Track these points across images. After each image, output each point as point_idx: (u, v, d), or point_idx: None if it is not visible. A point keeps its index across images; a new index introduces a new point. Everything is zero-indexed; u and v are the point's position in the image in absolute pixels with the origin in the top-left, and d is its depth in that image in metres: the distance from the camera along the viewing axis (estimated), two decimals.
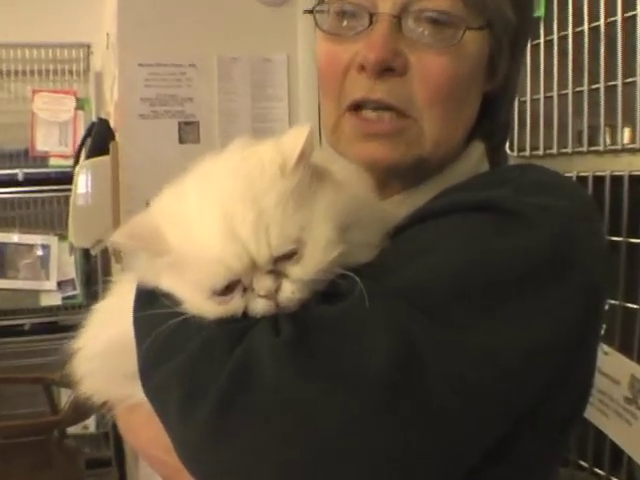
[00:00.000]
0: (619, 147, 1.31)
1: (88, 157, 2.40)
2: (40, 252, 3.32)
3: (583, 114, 1.37)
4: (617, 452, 1.32)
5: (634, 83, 1.26)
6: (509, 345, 0.59)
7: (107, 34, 2.59)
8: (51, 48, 3.38)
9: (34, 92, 3.34)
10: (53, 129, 3.33)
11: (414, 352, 0.56)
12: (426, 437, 0.55)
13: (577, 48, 1.37)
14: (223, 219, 0.59)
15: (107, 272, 2.79)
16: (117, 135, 2.23)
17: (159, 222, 0.63)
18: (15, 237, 3.33)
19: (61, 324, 3.24)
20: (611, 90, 1.31)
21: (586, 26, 1.35)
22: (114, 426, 0.80)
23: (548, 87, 1.45)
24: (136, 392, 0.68)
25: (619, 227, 1.29)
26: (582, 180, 1.35)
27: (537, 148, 1.49)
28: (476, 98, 0.77)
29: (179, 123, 2.15)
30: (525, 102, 1.49)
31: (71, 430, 2.91)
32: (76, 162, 2.61)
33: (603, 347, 1.28)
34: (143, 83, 2.12)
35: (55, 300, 3.33)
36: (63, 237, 3.20)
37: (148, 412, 0.64)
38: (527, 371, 0.60)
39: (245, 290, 0.60)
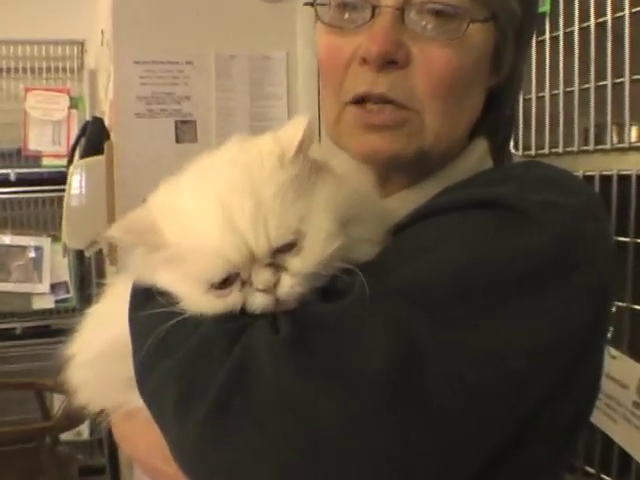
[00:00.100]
0: (626, 145, 1.31)
1: (82, 157, 2.40)
2: (33, 254, 3.32)
3: (590, 112, 1.37)
4: (625, 458, 1.32)
5: None
6: (510, 345, 0.59)
7: (102, 31, 2.59)
8: (44, 45, 3.39)
9: (27, 90, 3.35)
10: (46, 128, 3.33)
11: (414, 351, 0.56)
12: (426, 437, 0.55)
13: (583, 44, 1.37)
14: (221, 210, 0.59)
15: (101, 274, 2.79)
16: (112, 134, 2.24)
17: (156, 216, 0.63)
18: (7, 238, 3.33)
19: (54, 328, 3.24)
20: (618, 87, 1.31)
21: (592, 22, 1.35)
22: (108, 432, 0.80)
23: (554, 84, 1.45)
24: (133, 399, 0.68)
25: (626, 227, 1.29)
26: (589, 179, 1.35)
27: (542, 147, 1.49)
28: (480, 92, 0.77)
29: (176, 122, 2.16)
30: (530, 100, 1.50)
31: (64, 437, 2.91)
32: (70, 162, 2.61)
33: (611, 350, 1.28)
34: (139, 81, 2.13)
35: (48, 303, 3.33)
36: (56, 238, 3.20)
37: (146, 419, 0.64)
38: (529, 371, 0.60)
39: (244, 284, 0.60)
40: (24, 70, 3.39)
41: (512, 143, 1.44)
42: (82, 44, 3.42)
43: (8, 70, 3.39)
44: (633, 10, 1.27)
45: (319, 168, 0.64)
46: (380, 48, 0.69)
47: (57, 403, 2.91)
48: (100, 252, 2.49)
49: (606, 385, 1.28)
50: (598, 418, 1.31)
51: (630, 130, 1.30)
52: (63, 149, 3.30)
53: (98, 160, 2.23)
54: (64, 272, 3.27)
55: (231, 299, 0.60)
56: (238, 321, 0.60)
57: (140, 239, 0.64)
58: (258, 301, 0.60)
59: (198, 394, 0.56)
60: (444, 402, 0.56)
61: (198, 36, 2.16)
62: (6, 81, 3.39)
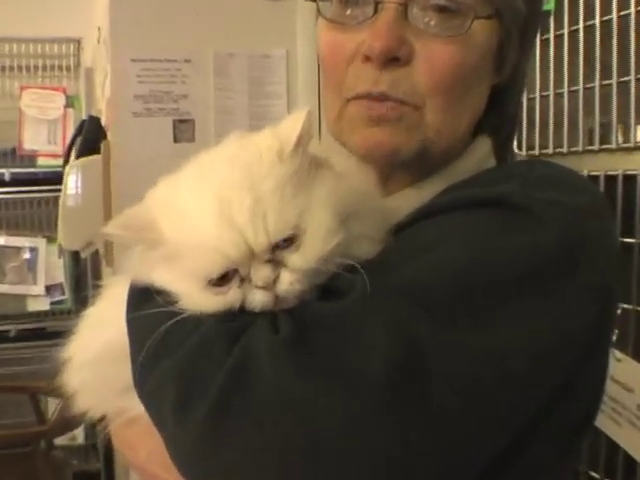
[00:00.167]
0: (632, 145, 1.31)
1: (78, 156, 2.40)
2: (27, 255, 3.32)
3: (594, 111, 1.38)
4: (630, 463, 1.32)
5: None
6: (510, 345, 0.59)
7: (98, 28, 2.59)
8: (40, 43, 3.39)
9: (22, 89, 3.34)
10: (42, 127, 3.33)
11: (415, 351, 0.56)
12: (426, 437, 0.55)
13: (588, 43, 1.38)
14: (219, 206, 0.59)
15: (97, 276, 2.79)
16: (109, 133, 2.23)
17: (154, 213, 0.64)
18: (1, 239, 3.33)
19: (49, 330, 3.24)
20: (624, 86, 1.31)
21: (598, 20, 1.35)
22: (104, 437, 0.80)
23: (558, 83, 1.46)
24: (133, 404, 0.68)
25: (632, 228, 1.29)
26: (594, 180, 1.35)
27: (547, 147, 1.49)
28: (483, 90, 0.78)
29: (174, 121, 2.15)
30: (534, 99, 1.50)
31: (58, 441, 2.90)
32: (66, 162, 2.61)
33: (616, 353, 1.28)
34: (136, 79, 2.12)
35: (43, 305, 3.32)
36: (52, 239, 3.20)
37: (146, 426, 0.64)
38: (530, 371, 0.60)
39: (243, 281, 0.60)
40: (19, 68, 3.39)
41: (515, 143, 1.44)
42: (78, 42, 3.43)
43: (3, 68, 3.39)
44: (639, 8, 1.27)
45: (319, 164, 0.65)
46: (383, 45, 0.70)
47: (52, 407, 2.90)
48: (96, 253, 2.49)
49: (611, 388, 1.29)
50: (603, 422, 1.31)
51: (636, 129, 1.31)
52: (59, 148, 3.29)
53: (94, 160, 2.23)
54: (59, 274, 3.28)
55: (230, 296, 0.60)
56: (238, 320, 0.60)
57: (138, 236, 0.64)
58: (257, 298, 0.60)
59: (198, 394, 0.57)
60: (444, 402, 0.56)
61: (196, 34, 2.15)
62: (1, 79, 3.39)
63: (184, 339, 0.60)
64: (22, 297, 3.32)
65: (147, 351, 0.62)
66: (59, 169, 2.82)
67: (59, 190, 2.46)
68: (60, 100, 3.36)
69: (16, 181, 3.30)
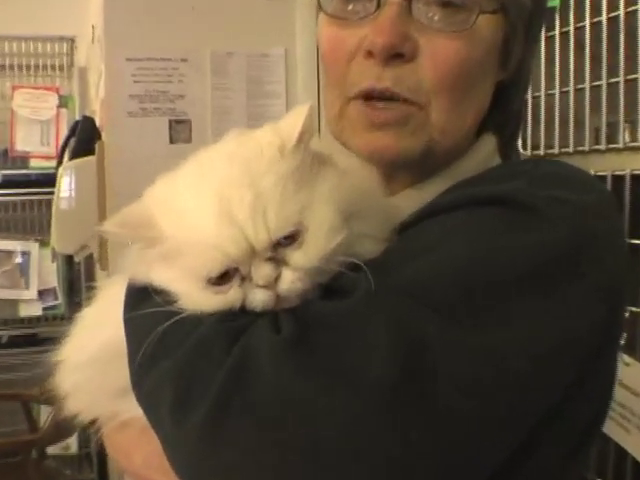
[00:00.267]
0: (639, 144, 1.31)
1: (72, 158, 2.40)
2: (19, 259, 3.32)
3: (601, 110, 1.37)
4: (639, 470, 1.32)
5: None
6: (512, 345, 0.59)
7: (93, 26, 2.60)
8: (32, 41, 3.40)
9: (14, 88, 3.35)
10: (34, 128, 3.33)
11: (418, 350, 0.56)
12: (426, 436, 0.56)
13: (595, 40, 1.38)
14: (219, 202, 0.59)
15: (92, 280, 2.79)
16: (103, 134, 2.23)
17: (152, 210, 0.64)
18: None
19: (41, 336, 3.24)
20: (631, 84, 1.31)
21: (604, 16, 1.35)
22: (97, 446, 0.80)
23: (564, 81, 1.46)
24: (128, 407, 0.68)
25: None
26: (600, 180, 1.35)
27: (552, 146, 1.49)
28: (488, 87, 0.78)
29: (170, 121, 2.15)
30: (539, 97, 1.50)
31: (51, 450, 2.90)
32: (59, 163, 2.61)
33: (624, 358, 1.28)
34: (131, 79, 2.12)
35: (35, 310, 3.32)
36: (44, 243, 3.20)
37: (140, 429, 0.64)
38: (533, 372, 0.60)
39: (243, 280, 0.61)
40: (11, 67, 3.39)
41: (520, 142, 1.45)
42: (72, 40, 3.43)
43: None
44: None
45: (322, 161, 0.65)
46: (386, 40, 0.70)
47: (44, 415, 2.90)
48: (90, 257, 2.49)
49: (619, 393, 1.28)
50: (611, 428, 1.31)
51: None
52: (52, 150, 3.30)
53: (88, 161, 2.23)
54: (52, 278, 3.28)
55: (230, 295, 0.61)
56: (238, 320, 0.60)
57: (136, 234, 0.64)
58: (258, 297, 0.60)
59: (197, 394, 0.57)
60: (450, 402, 0.56)
61: (193, 32, 2.15)
62: None
63: (183, 339, 0.60)
64: (14, 302, 3.32)
65: (145, 351, 0.62)
66: (52, 171, 2.82)
67: (52, 192, 2.46)
68: (53, 100, 3.36)
69: (8, 183, 3.31)
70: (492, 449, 0.61)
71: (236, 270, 0.60)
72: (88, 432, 0.78)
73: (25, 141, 3.33)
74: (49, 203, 2.67)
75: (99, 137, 2.28)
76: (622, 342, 1.17)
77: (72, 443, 3.17)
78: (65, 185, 2.32)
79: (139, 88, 2.13)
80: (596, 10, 1.37)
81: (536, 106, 1.50)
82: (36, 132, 3.34)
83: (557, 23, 1.45)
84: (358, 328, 0.58)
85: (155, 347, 0.61)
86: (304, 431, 0.55)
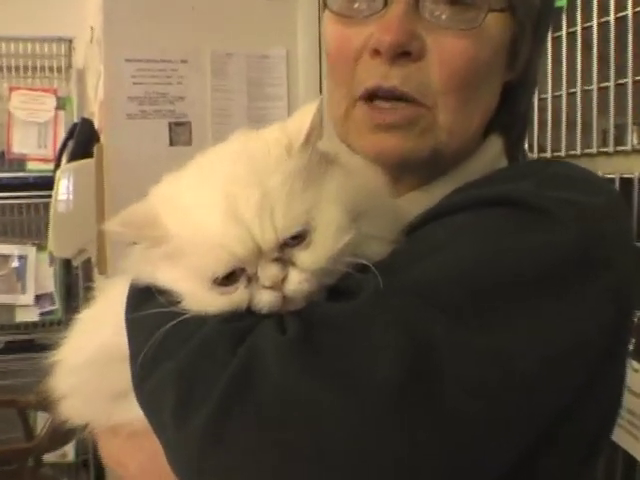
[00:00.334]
0: None
1: (70, 160, 2.40)
2: (16, 263, 3.32)
3: (609, 112, 1.37)
4: None
5: None
6: (520, 347, 0.59)
7: (91, 27, 2.61)
8: (29, 42, 3.40)
9: (11, 90, 3.35)
10: (31, 130, 3.33)
11: (425, 351, 0.56)
12: (433, 437, 0.56)
13: (602, 40, 1.38)
14: (225, 201, 0.59)
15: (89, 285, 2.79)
16: (102, 136, 2.24)
17: (157, 209, 0.64)
18: None
19: (38, 342, 3.23)
20: (639, 85, 1.31)
21: (612, 16, 1.35)
22: (95, 453, 0.79)
23: (571, 83, 1.46)
24: (124, 411, 0.68)
25: None
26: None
27: (559, 149, 1.49)
28: (496, 87, 0.78)
29: (169, 123, 2.16)
30: (546, 99, 1.50)
31: (48, 458, 2.89)
32: (57, 166, 2.61)
33: (633, 364, 1.27)
34: (131, 80, 2.13)
35: (32, 316, 3.32)
36: (42, 247, 3.20)
37: (129, 435, 0.64)
38: (541, 374, 0.60)
39: (250, 281, 0.60)
40: (8, 68, 3.39)
41: (527, 144, 1.45)
42: (70, 42, 3.43)
43: None
44: None
45: (329, 160, 0.65)
46: (393, 38, 0.70)
47: (41, 422, 2.89)
48: (88, 261, 2.49)
49: (628, 400, 1.28)
50: (620, 436, 1.31)
51: None
52: (49, 152, 3.30)
53: (87, 164, 2.24)
54: (49, 283, 3.28)
55: (236, 296, 0.60)
56: (243, 321, 0.60)
57: (140, 233, 0.64)
58: (265, 298, 0.60)
59: (199, 396, 0.57)
60: (456, 403, 0.56)
61: (193, 33, 2.16)
62: None
63: (186, 340, 0.60)
64: (10, 307, 3.32)
65: (147, 353, 0.62)
66: (49, 174, 2.83)
67: (49, 195, 2.46)
68: (51, 102, 3.36)
69: (4, 186, 3.31)
70: (499, 450, 0.61)
71: (242, 270, 0.60)
72: (85, 439, 0.78)
73: (22, 143, 3.32)
74: (47, 206, 2.67)
75: (98, 139, 2.28)
76: (631, 348, 1.17)
77: (69, 451, 3.16)
78: (63, 188, 2.32)
79: (138, 90, 2.13)
80: (604, 10, 1.37)
81: (543, 108, 1.50)
82: (33, 134, 3.34)
83: (564, 23, 1.46)
84: (365, 328, 0.58)
85: (157, 348, 0.61)
86: (310, 431, 0.55)
